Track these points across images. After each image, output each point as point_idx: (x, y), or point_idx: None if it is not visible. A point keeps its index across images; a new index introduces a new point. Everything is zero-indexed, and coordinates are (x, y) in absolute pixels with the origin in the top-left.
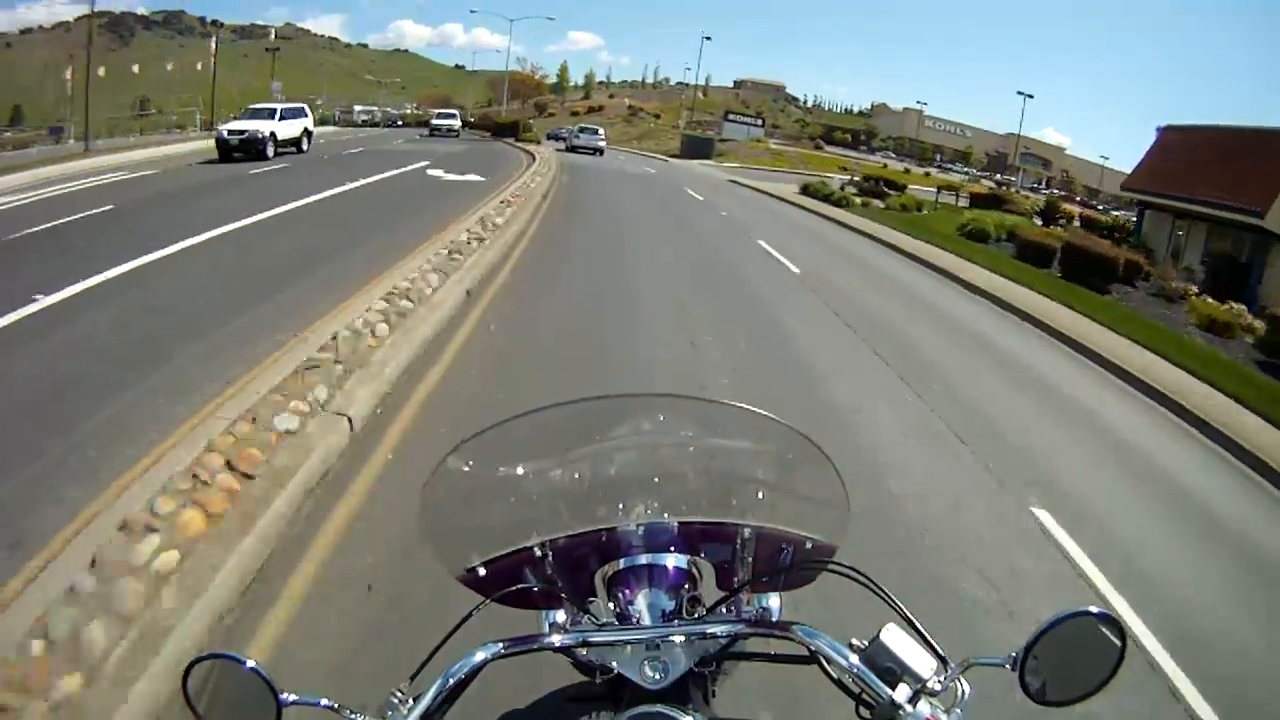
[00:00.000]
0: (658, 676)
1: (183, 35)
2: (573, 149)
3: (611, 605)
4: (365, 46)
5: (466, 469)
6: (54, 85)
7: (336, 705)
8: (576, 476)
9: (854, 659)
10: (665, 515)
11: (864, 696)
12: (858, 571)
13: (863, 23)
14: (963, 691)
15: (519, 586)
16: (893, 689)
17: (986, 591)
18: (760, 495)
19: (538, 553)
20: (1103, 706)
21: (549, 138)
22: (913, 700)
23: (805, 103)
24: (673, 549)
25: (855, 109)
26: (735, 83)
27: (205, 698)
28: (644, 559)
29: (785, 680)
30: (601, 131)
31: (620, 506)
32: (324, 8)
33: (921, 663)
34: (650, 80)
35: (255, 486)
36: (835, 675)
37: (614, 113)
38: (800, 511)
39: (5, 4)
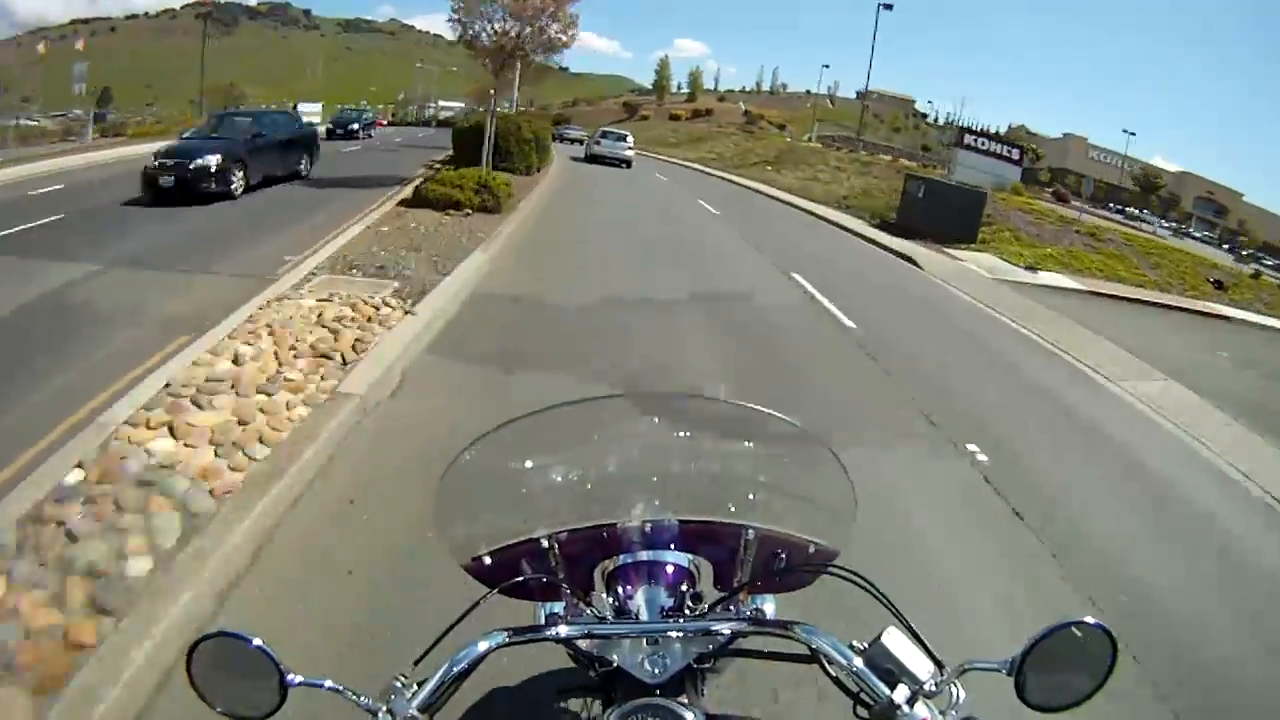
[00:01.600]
0: (657, 671)
1: (285, 26)
2: (593, 158)
3: (611, 600)
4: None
5: (479, 463)
6: (144, 71)
7: (341, 687)
8: (583, 473)
9: (855, 659)
10: (668, 514)
11: (862, 696)
12: (859, 576)
13: (989, 34)
14: (958, 695)
15: (522, 578)
16: (891, 690)
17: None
18: (765, 497)
19: (544, 544)
20: None
21: (558, 139)
22: (910, 701)
23: (935, 120)
24: (673, 547)
25: (991, 128)
26: (858, 94)
27: (210, 677)
28: (645, 555)
29: (771, 679)
30: (629, 138)
31: (624, 504)
32: (431, 6)
33: (919, 665)
34: (767, 86)
35: None
36: (834, 674)
37: (725, 119)
38: (804, 515)
39: None
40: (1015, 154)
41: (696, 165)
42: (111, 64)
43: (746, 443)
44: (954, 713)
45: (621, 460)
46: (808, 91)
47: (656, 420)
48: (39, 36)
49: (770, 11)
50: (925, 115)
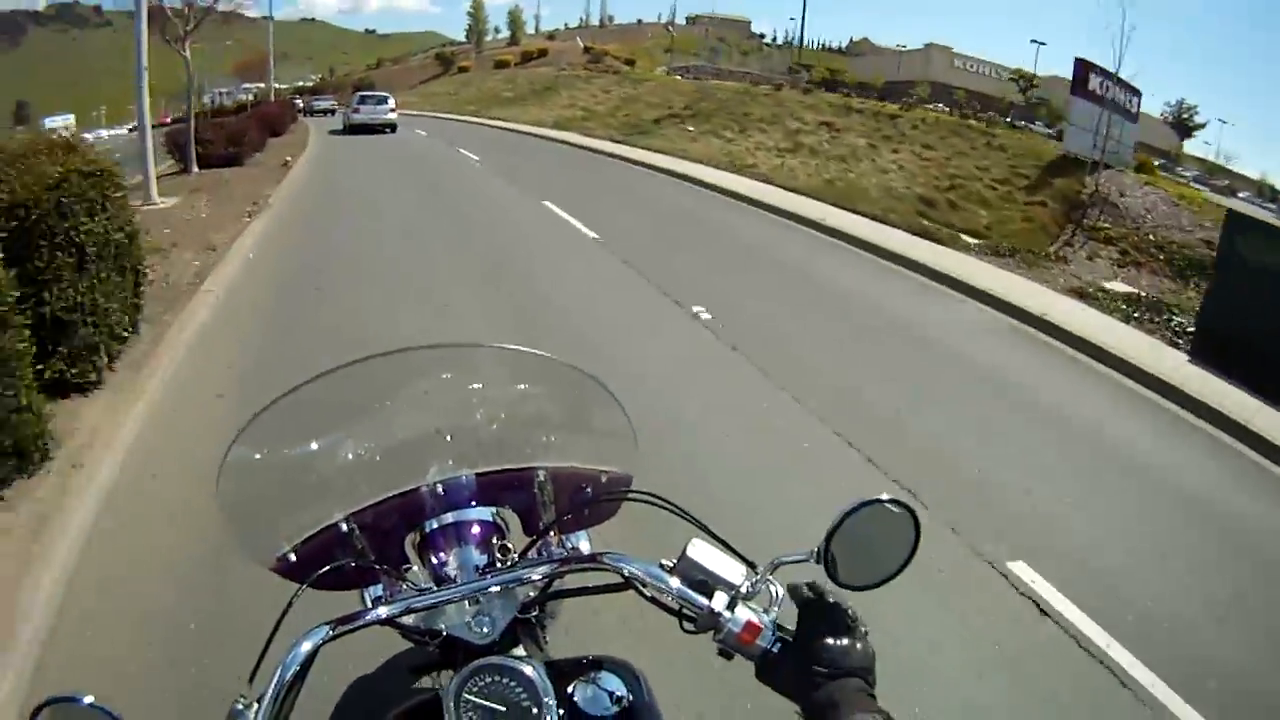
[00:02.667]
0: (485, 630)
1: (76, 28)
2: (352, 128)
3: (426, 570)
4: (270, 19)
5: (256, 455)
6: None
7: None
8: (369, 443)
9: (668, 578)
10: (462, 470)
11: (684, 611)
12: (656, 496)
13: None
14: (776, 591)
15: (332, 565)
16: (710, 599)
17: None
18: (551, 437)
19: (344, 528)
20: None
21: (308, 113)
22: (730, 606)
23: (774, 40)
24: (474, 503)
25: (831, 45)
26: (689, 19)
27: None
28: (450, 518)
29: (605, 610)
30: (391, 101)
31: (418, 468)
32: None
33: (731, 571)
34: (595, 21)
35: None
36: (652, 596)
37: (565, 60)
38: (591, 447)
39: None
40: (1134, 102)
41: (559, 136)
42: None
43: (525, 387)
44: (776, 609)
45: (408, 422)
46: (639, 21)
47: (436, 375)
48: None
49: None
50: (763, 36)
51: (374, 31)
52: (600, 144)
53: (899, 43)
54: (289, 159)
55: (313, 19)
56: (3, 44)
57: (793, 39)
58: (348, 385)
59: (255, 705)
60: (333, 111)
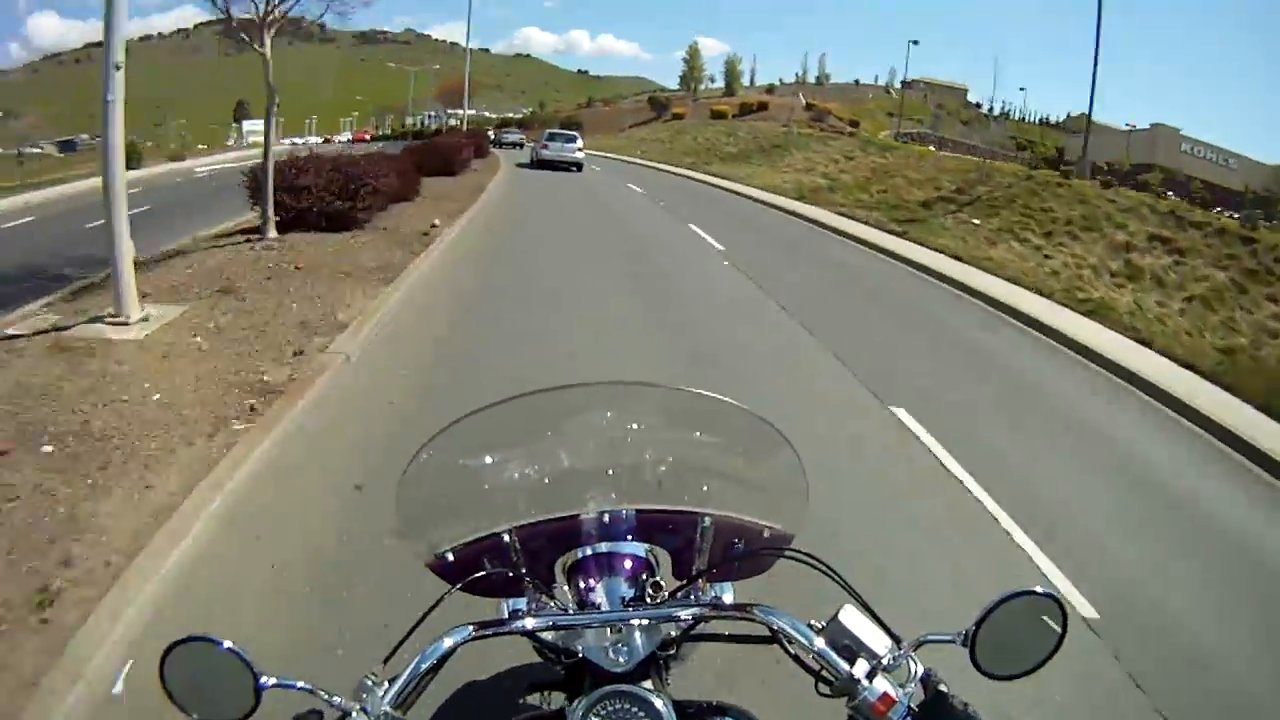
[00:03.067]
0: (622, 659)
1: (301, 41)
2: (540, 163)
3: (572, 593)
4: (486, 51)
5: (438, 461)
6: (154, 91)
7: (313, 688)
8: (540, 466)
9: (815, 638)
10: (624, 504)
11: (823, 673)
12: (813, 558)
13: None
14: (915, 668)
15: (484, 573)
16: (851, 665)
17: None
18: (720, 484)
19: (505, 539)
20: None
21: (497, 144)
22: (870, 675)
23: (991, 111)
24: (630, 537)
25: (1049, 119)
26: (904, 84)
27: (183, 682)
28: (604, 547)
29: (733, 663)
30: (579, 140)
31: (581, 495)
32: (450, 15)
33: (877, 641)
34: (813, 77)
35: None
36: (795, 654)
37: (788, 118)
38: (759, 500)
39: (137, 12)
40: None
41: (809, 213)
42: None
43: (700, 431)
44: (913, 685)
45: (578, 452)
46: (856, 82)
47: (611, 411)
48: (54, 62)
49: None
50: (979, 105)
51: (586, 72)
52: (873, 234)
53: (1127, 122)
54: (436, 223)
55: (527, 55)
56: (233, 47)
57: (1009, 109)
58: (529, 409)
59: (386, 685)
60: (520, 145)
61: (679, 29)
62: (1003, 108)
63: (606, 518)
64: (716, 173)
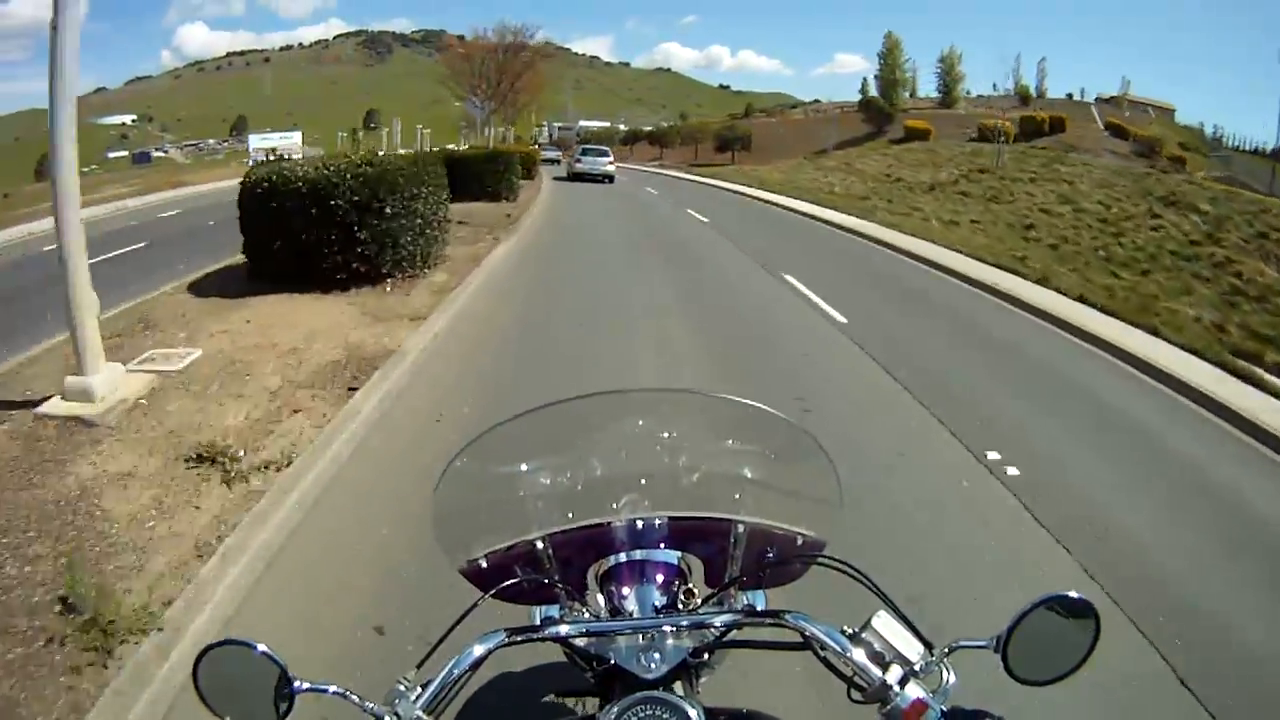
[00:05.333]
0: (653, 667)
1: (440, 52)
2: (575, 176)
3: (604, 600)
4: (627, 65)
5: (473, 469)
6: (286, 99)
7: (346, 692)
8: (573, 474)
9: (848, 644)
10: (657, 512)
11: (856, 680)
12: (847, 564)
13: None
14: (947, 675)
15: (517, 580)
16: (884, 672)
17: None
18: (752, 491)
19: (539, 546)
20: None
21: (545, 162)
22: (902, 682)
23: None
24: (663, 545)
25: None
26: (1099, 99)
27: (217, 686)
28: (638, 555)
29: (762, 669)
30: (610, 155)
31: (614, 503)
32: (591, 30)
33: (909, 648)
34: (1003, 88)
35: None
36: (827, 660)
37: (1091, 143)
38: (792, 507)
39: (284, 25)
40: None
41: None
42: (259, 93)
43: (732, 438)
44: (945, 691)
45: (611, 459)
46: (1069, 96)
47: (644, 418)
48: (195, 69)
49: (947, 14)
50: (1217, 134)
51: (727, 87)
52: None
53: None
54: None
55: (668, 69)
56: (371, 58)
57: (1221, 135)
58: (561, 418)
59: (419, 690)
60: (557, 161)
61: (819, 46)
62: (1216, 131)
63: (639, 525)
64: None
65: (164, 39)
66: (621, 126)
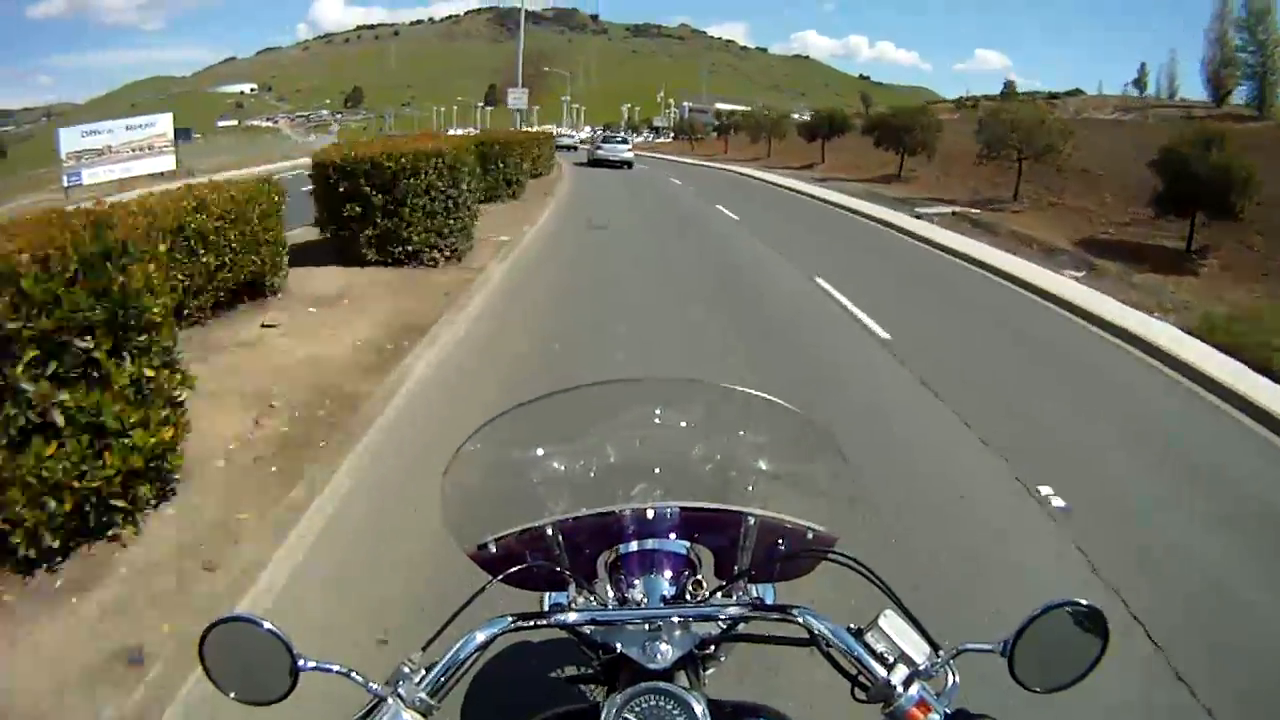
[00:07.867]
0: (659, 657)
1: (573, 31)
2: (595, 162)
3: (613, 588)
4: (764, 51)
5: (484, 451)
6: (408, 72)
7: (349, 671)
8: (585, 461)
9: (853, 642)
10: (669, 502)
11: (860, 678)
12: (856, 562)
13: None
14: (952, 677)
15: (526, 565)
16: (889, 672)
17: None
18: (765, 484)
19: (549, 532)
20: None
21: (559, 148)
22: (907, 683)
23: None
24: (673, 535)
25: None
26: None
27: (222, 662)
28: (649, 544)
29: (767, 663)
30: (630, 143)
31: (625, 492)
32: (728, 15)
33: (915, 648)
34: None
35: None
36: (833, 657)
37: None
38: (803, 501)
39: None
40: None
41: None
42: (383, 66)
43: (747, 430)
44: (949, 693)
45: (624, 448)
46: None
47: (659, 407)
48: (323, 41)
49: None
50: None
51: (867, 77)
52: None
53: None
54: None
55: (806, 56)
56: (501, 34)
57: None
58: (576, 403)
59: (423, 672)
60: (574, 148)
61: (960, 41)
62: None
63: (650, 514)
64: None
65: (300, 12)
66: (721, 106)
